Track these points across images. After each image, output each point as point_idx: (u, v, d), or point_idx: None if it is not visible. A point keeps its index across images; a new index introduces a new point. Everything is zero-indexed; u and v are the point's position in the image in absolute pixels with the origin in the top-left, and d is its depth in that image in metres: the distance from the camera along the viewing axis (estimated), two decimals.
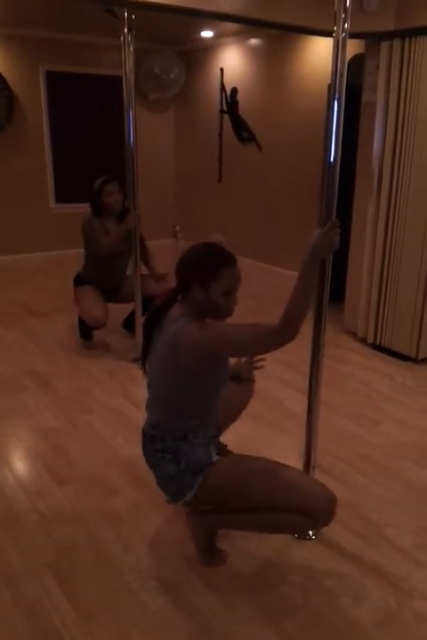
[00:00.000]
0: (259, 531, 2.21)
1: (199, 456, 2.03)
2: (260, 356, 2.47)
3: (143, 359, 2.14)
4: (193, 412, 2.07)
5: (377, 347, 4.37)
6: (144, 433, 2.16)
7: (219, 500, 2.10)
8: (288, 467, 2.06)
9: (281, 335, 1.85)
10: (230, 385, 2.35)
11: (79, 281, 4.25)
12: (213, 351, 1.96)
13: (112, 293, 4.24)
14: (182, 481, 2.04)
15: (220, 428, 2.20)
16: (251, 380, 2.51)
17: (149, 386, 2.16)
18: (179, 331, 1.95)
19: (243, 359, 2.51)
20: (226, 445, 2.23)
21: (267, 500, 1.98)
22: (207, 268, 1.96)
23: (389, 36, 3.88)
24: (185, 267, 2.02)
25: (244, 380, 2.46)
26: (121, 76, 3.59)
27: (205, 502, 2.14)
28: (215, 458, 2.06)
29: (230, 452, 2.21)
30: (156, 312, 2.09)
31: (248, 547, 2.28)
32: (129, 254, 3.97)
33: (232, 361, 2.29)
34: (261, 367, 2.50)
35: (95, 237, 3.97)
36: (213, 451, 2.07)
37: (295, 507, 1.94)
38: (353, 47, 3.93)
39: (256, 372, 2.53)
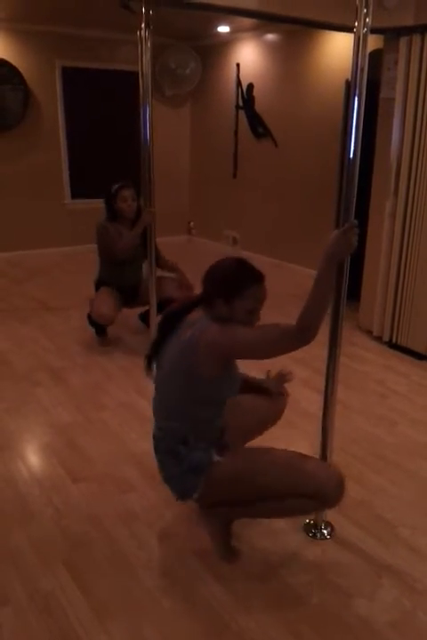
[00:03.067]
0: (269, 517, 2.26)
1: (199, 458, 2.04)
2: (288, 371, 2.50)
3: (150, 358, 2.15)
4: (198, 419, 2.08)
5: (393, 345, 4.33)
6: (153, 436, 2.20)
7: (227, 494, 2.11)
8: (294, 452, 2.08)
9: (298, 338, 1.86)
10: (262, 399, 2.38)
11: (98, 284, 4.29)
12: (231, 353, 1.99)
13: (130, 295, 4.26)
14: (185, 481, 2.07)
15: (225, 431, 2.20)
16: (282, 394, 2.47)
17: (157, 389, 2.17)
18: (199, 331, 1.95)
19: (272, 374, 2.51)
20: (227, 444, 2.22)
21: (276, 489, 2.00)
22: (233, 287, 1.97)
23: (408, 31, 3.83)
24: (211, 282, 2.03)
25: (275, 394, 2.44)
26: (137, 72, 3.58)
27: (215, 498, 2.14)
28: (216, 459, 2.06)
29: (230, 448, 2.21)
30: (173, 315, 2.10)
31: (262, 545, 2.27)
32: (142, 256, 3.97)
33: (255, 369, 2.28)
34: (291, 379, 2.50)
35: (110, 241, 4.00)
36: (213, 452, 2.07)
37: (304, 492, 1.96)
38: (372, 42, 3.89)
39: (273, 369, 2.52)
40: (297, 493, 1.98)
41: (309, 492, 1.97)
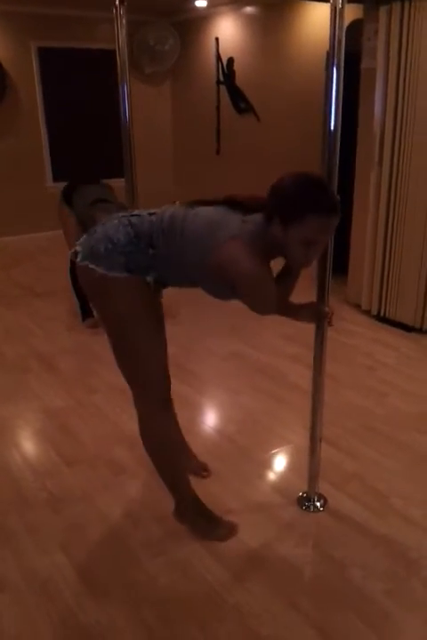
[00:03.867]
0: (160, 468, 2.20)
1: (140, 263, 1.86)
2: None
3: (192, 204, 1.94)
4: (173, 261, 1.88)
5: (381, 318, 4.35)
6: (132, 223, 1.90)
7: (109, 317, 2.01)
8: (160, 355, 2.10)
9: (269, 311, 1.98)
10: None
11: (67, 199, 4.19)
12: (232, 284, 1.81)
13: None
14: (113, 257, 1.85)
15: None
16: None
17: (170, 215, 1.90)
18: (231, 238, 1.76)
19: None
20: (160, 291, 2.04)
21: (127, 357, 2.18)
22: (293, 209, 1.71)
23: None
24: (274, 194, 1.78)
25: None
26: (115, 50, 3.52)
27: (92, 299, 2.13)
28: (149, 279, 1.89)
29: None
30: (240, 204, 1.87)
31: (256, 519, 2.30)
32: None
33: None
34: None
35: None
36: (151, 275, 1.89)
37: (135, 376, 2.19)
38: (351, 12, 3.85)
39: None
40: (131, 374, 2.18)
41: (134, 380, 2.17)
